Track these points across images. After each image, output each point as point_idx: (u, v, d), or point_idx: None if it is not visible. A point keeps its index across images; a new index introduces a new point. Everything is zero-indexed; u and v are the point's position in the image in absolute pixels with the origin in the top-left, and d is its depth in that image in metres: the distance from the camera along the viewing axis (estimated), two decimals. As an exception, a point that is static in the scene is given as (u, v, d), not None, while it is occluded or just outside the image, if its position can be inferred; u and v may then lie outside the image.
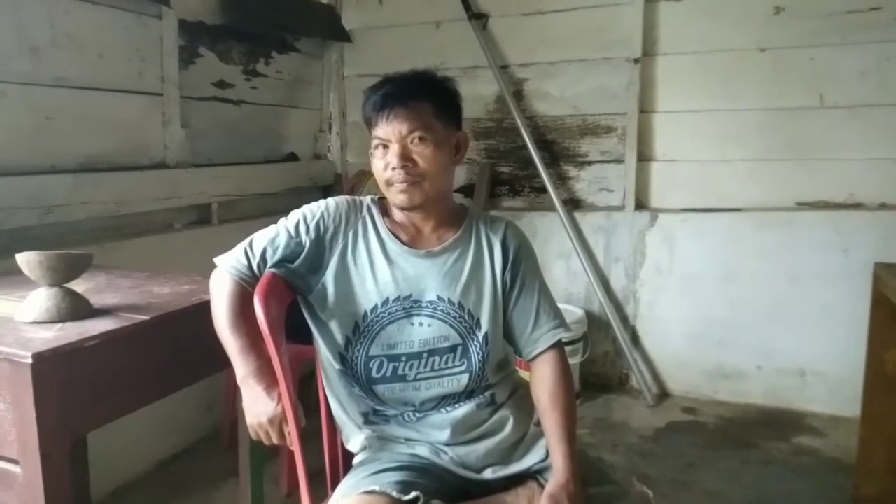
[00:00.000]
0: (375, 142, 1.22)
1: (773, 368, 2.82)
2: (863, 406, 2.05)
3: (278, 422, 1.12)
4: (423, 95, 1.21)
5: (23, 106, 1.93)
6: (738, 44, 2.77)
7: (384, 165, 1.20)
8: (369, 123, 1.23)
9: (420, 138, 1.19)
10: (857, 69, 2.64)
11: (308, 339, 1.29)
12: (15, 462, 1.11)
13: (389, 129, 1.19)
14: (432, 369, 1.22)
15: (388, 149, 1.20)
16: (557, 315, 1.30)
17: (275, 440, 1.14)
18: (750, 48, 2.76)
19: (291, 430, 1.12)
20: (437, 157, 1.20)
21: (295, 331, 1.28)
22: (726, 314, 2.86)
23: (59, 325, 1.20)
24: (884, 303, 1.90)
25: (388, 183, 1.21)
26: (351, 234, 1.25)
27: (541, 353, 1.27)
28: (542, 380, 1.26)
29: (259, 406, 1.13)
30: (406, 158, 1.18)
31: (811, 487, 2.20)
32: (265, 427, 1.13)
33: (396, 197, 1.21)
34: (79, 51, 2.08)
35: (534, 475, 1.23)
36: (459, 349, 1.22)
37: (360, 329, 1.21)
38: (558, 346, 1.28)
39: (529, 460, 1.24)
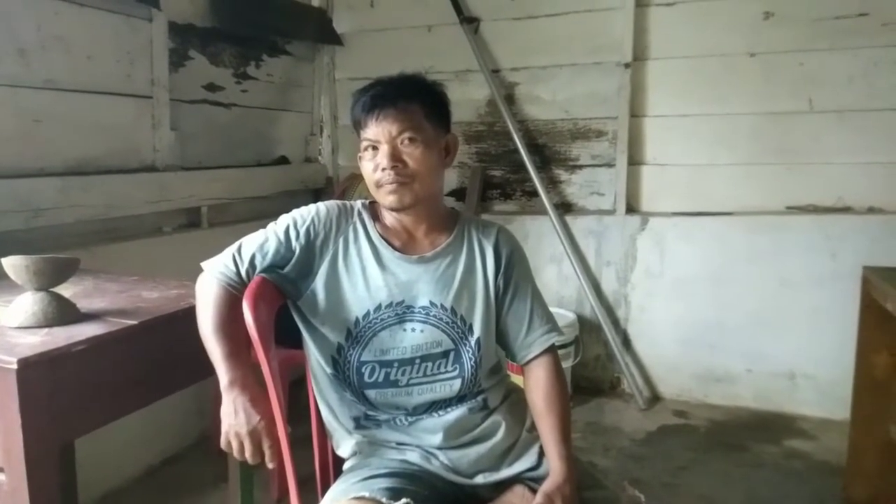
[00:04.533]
0: (365, 143, 1.21)
1: (764, 372, 2.83)
2: (852, 409, 2.06)
3: (258, 437, 1.06)
4: (413, 97, 1.20)
5: (11, 109, 1.91)
6: (728, 49, 2.79)
7: (374, 167, 1.19)
8: (358, 126, 1.22)
9: (410, 139, 1.18)
10: (846, 74, 2.66)
11: (297, 343, 1.28)
12: (-1, 469, 1.09)
13: (379, 130, 1.18)
14: (425, 375, 1.21)
15: (377, 150, 1.19)
16: (550, 319, 1.30)
17: (248, 456, 1.07)
18: (740, 53, 2.78)
19: (281, 434, 1.10)
20: (426, 158, 1.19)
21: (284, 335, 1.27)
22: (717, 318, 2.87)
23: (46, 330, 1.19)
24: (873, 306, 1.91)
25: (378, 184, 1.20)
26: (342, 240, 1.24)
27: (535, 358, 1.28)
28: (537, 383, 1.26)
29: (240, 416, 1.07)
30: (396, 159, 1.17)
31: (801, 490, 2.21)
32: (241, 439, 1.07)
33: (386, 198, 1.20)
34: (67, 53, 2.07)
35: (524, 481, 1.23)
36: (452, 355, 1.22)
37: (353, 335, 1.20)
38: (552, 349, 1.29)
39: (520, 466, 1.23)
